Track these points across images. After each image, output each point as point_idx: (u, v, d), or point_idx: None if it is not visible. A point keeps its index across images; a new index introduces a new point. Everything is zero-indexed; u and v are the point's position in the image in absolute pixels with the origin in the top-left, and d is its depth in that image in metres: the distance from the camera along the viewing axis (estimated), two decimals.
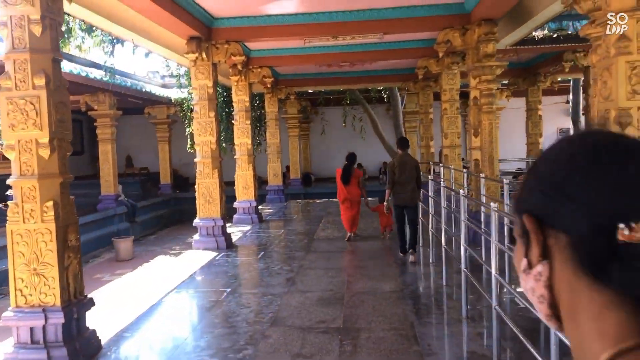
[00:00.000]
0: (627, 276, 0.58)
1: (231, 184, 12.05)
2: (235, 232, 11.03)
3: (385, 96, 19.58)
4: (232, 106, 16.07)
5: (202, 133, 9.30)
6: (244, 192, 12.45)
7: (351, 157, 9.63)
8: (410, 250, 7.84)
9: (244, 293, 6.47)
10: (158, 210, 19.52)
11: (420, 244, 8.20)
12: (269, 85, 13.01)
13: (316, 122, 23.61)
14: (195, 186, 9.44)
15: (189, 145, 18.94)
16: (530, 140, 16.16)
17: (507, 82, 19.50)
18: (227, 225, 9.93)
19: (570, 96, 18.62)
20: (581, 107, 18.76)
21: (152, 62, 45.72)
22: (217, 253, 8.92)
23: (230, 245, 9.45)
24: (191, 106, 17.27)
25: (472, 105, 9.12)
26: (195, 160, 9.44)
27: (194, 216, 9.65)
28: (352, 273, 7.22)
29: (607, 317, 0.59)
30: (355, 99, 18.39)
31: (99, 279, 11.48)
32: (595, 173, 0.62)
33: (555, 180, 0.65)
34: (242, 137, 12.33)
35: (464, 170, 8.56)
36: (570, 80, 18.06)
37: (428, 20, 9.06)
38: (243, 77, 11.90)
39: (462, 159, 12.53)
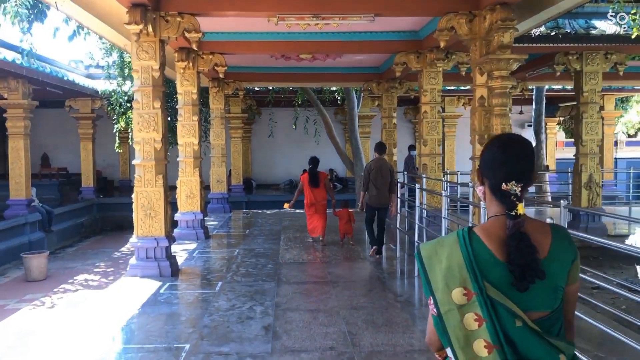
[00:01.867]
0: (502, 198, 1.67)
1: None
2: (179, 251, 9.03)
3: (339, 98, 17.97)
4: (172, 100, 14.11)
5: (144, 128, 7.29)
6: (188, 202, 10.41)
7: (315, 161, 9.72)
8: (377, 253, 8.53)
9: (211, 354, 4.56)
10: (78, 218, 17.01)
11: None
12: (221, 75, 11.04)
13: (259, 124, 21.71)
14: (133, 195, 7.41)
15: (116, 145, 16.64)
16: None
17: (467, 87, 18.46)
18: None
19: (533, 105, 17.72)
20: (543, 117, 17.96)
21: (75, 49, 42.34)
22: (160, 283, 6.92)
23: (176, 272, 7.47)
24: (120, 99, 15.12)
25: (478, 107, 7.60)
26: (134, 162, 7.41)
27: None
28: (350, 318, 5.46)
29: (494, 207, 1.72)
30: (309, 99, 16.66)
31: (2, 306, 9.17)
32: (496, 161, 1.71)
33: (485, 159, 1.75)
34: (187, 135, 10.29)
35: (470, 184, 7.10)
36: (533, 88, 17.17)
37: (428, 1, 7.51)
38: (191, 64, 9.91)
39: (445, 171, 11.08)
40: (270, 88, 17.49)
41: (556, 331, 1.64)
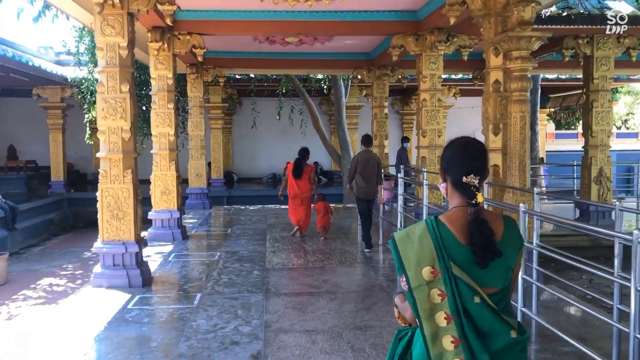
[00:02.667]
0: (464, 190, 1.89)
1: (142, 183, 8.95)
2: (152, 255, 8.05)
3: (325, 87, 17.02)
4: (146, 87, 13.07)
5: (109, 115, 6.29)
6: (163, 199, 9.39)
7: (303, 152, 9.53)
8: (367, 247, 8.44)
9: None
10: (47, 214, 15.85)
11: None
12: (200, 59, 9.99)
13: (241, 114, 20.67)
14: (98, 193, 6.41)
15: (86, 136, 15.54)
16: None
17: (459, 77, 17.62)
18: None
19: (528, 95, 16.92)
20: (538, 107, 17.23)
21: (48, 36, 40.77)
22: (129, 295, 5.95)
23: (148, 281, 6.49)
24: (91, 87, 13.98)
25: (492, 93, 6.74)
26: (99, 155, 6.42)
27: (93, 221, 6.86)
28: (355, 342, 4.55)
29: (456, 199, 1.94)
30: (294, 88, 15.68)
31: None
32: (457, 158, 1.97)
33: (447, 158, 2.00)
34: (162, 125, 9.27)
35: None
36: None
37: None
38: (166, 45, 8.89)
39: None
40: (252, 76, 16.49)
41: (502, 306, 1.86)
